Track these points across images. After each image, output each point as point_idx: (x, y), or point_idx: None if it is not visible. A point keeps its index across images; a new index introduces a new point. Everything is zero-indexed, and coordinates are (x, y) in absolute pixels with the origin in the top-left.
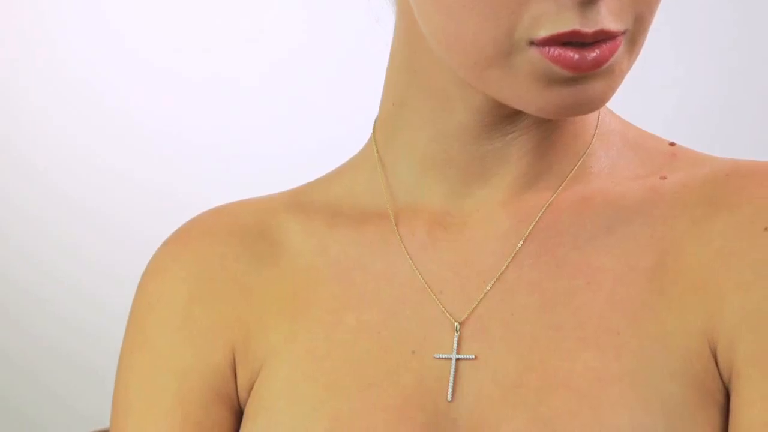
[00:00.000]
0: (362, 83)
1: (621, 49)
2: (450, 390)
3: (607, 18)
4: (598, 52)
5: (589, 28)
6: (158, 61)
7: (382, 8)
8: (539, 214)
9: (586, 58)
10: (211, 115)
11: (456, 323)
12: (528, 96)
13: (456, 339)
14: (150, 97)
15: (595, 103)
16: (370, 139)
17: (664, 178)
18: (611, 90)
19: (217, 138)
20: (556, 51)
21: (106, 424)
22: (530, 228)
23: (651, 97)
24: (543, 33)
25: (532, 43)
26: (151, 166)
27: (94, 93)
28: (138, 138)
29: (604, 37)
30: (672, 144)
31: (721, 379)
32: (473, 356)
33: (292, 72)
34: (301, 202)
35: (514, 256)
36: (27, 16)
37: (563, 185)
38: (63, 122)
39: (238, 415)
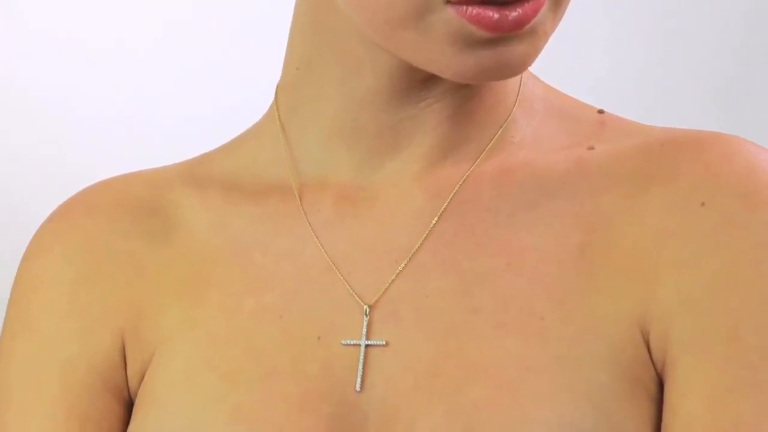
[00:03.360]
0: (263, 44)
1: (545, 9)
2: (359, 379)
3: None
4: (520, 12)
5: None
6: (41, 22)
7: None
8: (456, 188)
9: (507, 18)
10: (100, 81)
11: (365, 306)
12: (444, 59)
13: (365, 323)
14: (33, 62)
15: (517, 67)
16: (271, 105)
17: (592, 148)
18: (534, 53)
19: (106, 106)
20: (474, 10)
21: None
22: (446, 203)
23: (577, 62)
24: None
25: (448, 1)
26: (33, 137)
27: None
28: (19, 106)
29: None
30: (601, 111)
31: (654, 367)
32: (384, 342)
33: (187, 33)
34: (197, 175)
35: (428, 234)
36: None
37: (482, 156)
38: None
39: (129, 405)
